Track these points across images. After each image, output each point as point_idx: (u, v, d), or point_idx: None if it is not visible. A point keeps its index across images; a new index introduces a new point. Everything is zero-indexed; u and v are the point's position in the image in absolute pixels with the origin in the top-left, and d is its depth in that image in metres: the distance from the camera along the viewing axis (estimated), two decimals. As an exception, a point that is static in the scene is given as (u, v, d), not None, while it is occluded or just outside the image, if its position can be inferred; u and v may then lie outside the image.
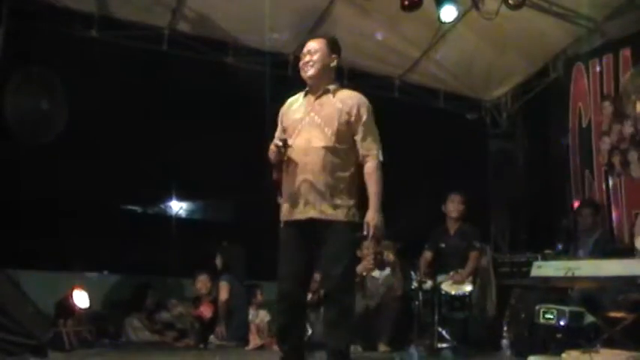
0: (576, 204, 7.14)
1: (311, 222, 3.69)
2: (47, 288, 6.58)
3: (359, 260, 6.78)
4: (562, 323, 5.13)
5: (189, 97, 7.54)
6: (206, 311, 6.89)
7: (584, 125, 7.43)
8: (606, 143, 7.14)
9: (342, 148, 3.75)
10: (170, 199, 8.57)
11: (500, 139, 8.95)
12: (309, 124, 3.81)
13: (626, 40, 7.01)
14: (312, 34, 7.53)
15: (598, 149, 7.24)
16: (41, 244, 6.83)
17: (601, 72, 7.23)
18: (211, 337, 6.73)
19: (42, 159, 6.88)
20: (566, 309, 5.03)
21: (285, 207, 3.86)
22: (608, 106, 7.16)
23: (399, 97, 8.65)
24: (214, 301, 6.96)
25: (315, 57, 3.81)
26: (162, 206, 8.61)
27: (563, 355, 4.12)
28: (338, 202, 3.68)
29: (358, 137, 3.80)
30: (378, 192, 3.69)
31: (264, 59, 7.69)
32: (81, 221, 7.19)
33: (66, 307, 6.35)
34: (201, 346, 6.69)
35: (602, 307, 5.04)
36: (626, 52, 6.98)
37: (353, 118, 3.80)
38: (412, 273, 6.76)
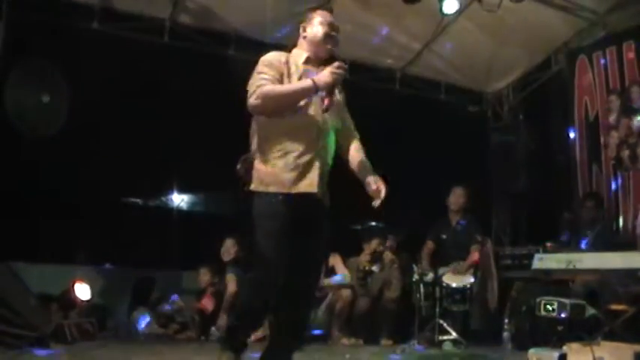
0: (583, 197, 7.14)
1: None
2: (49, 280, 6.60)
3: None
4: (563, 316, 5.13)
5: (190, 90, 7.52)
6: (208, 304, 6.90)
7: (590, 119, 7.40)
8: (614, 137, 7.12)
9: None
10: (172, 191, 8.57)
11: (501, 132, 8.93)
12: (319, 98, 3.36)
13: (629, 32, 6.98)
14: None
15: (606, 143, 7.21)
16: (43, 237, 6.83)
17: (605, 65, 7.20)
18: (213, 330, 6.74)
19: (43, 151, 6.87)
20: (568, 301, 5.03)
21: (289, 176, 3.29)
22: (615, 100, 7.13)
23: (401, 90, 8.63)
24: (216, 294, 6.96)
25: (337, 36, 3.63)
26: (163, 199, 8.61)
27: (564, 347, 4.12)
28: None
29: (347, 117, 3.67)
30: None
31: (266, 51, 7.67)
32: (82, 214, 7.19)
33: (68, 300, 6.37)
34: (203, 338, 6.70)
35: (604, 300, 5.05)
36: (629, 45, 6.95)
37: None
38: (414, 265, 6.78)
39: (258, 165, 3.40)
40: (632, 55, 6.92)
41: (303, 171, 3.28)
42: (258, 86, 3.29)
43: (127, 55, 7.05)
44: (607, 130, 7.20)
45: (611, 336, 4.44)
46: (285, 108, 3.30)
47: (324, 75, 3.28)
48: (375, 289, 6.89)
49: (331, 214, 3.50)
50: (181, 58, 7.52)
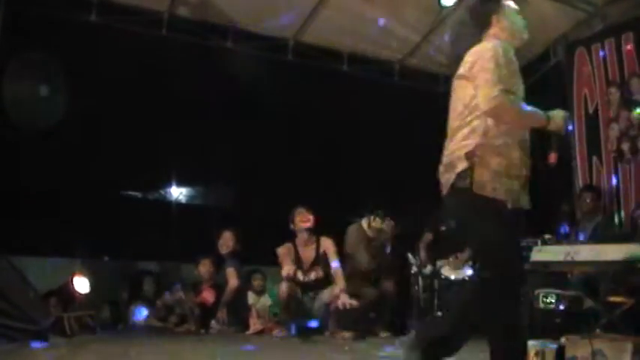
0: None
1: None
2: (48, 274, 6.61)
3: None
4: (561, 308, 5.15)
5: (189, 82, 7.50)
6: (209, 297, 6.91)
7: (590, 111, 7.39)
8: (615, 130, 7.10)
9: None
10: (170, 184, 8.56)
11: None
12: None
13: (628, 24, 6.97)
14: (312, 19, 7.60)
15: (606, 136, 7.20)
16: (42, 231, 6.82)
17: (604, 57, 7.19)
18: (212, 322, 6.75)
19: (42, 145, 6.86)
20: (566, 293, 5.05)
21: (513, 184, 3.09)
22: (614, 92, 7.11)
23: (399, 82, 8.63)
24: (216, 286, 6.97)
25: None
26: (162, 192, 8.59)
27: (562, 339, 4.12)
28: None
29: None
30: None
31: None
32: (81, 207, 7.18)
33: (67, 293, 6.38)
34: (202, 331, 6.70)
35: (602, 292, 5.05)
36: (628, 37, 6.94)
37: None
38: (411, 257, 6.79)
39: None
40: (630, 46, 6.90)
41: None
42: (495, 97, 3.01)
43: (125, 48, 7.03)
44: (607, 123, 7.19)
45: (610, 328, 4.44)
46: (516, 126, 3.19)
47: (560, 118, 3.22)
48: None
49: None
50: (179, 50, 7.50)
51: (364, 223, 6.89)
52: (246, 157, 8.06)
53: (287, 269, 6.34)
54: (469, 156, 3.03)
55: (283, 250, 6.55)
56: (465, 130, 3.10)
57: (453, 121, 3.23)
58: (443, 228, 7.22)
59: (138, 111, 7.42)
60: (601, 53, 7.21)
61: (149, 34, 7.28)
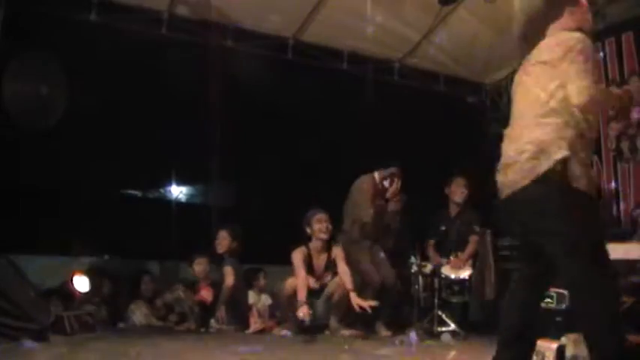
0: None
1: None
2: (48, 273, 6.61)
3: None
4: (562, 307, 5.15)
5: (188, 81, 7.51)
6: (207, 295, 6.91)
7: (589, 110, 7.37)
8: (614, 129, 7.11)
9: None
10: (170, 183, 8.56)
11: (500, 123, 8.92)
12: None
13: (628, 23, 6.96)
14: (312, 17, 7.61)
15: (606, 135, 7.20)
16: (42, 229, 6.83)
17: (605, 57, 7.19)
18: (212, 322, 6.75)
19: (42, 143, 6.86)
20: (566, 292, 5.04)
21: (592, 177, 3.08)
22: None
23: (399, 81, 8.63)
24: (213, 285, 6.97)
25: None
26: (162, 191, 8.60)
27: (563, 338, 4.13)
28: None
29: None
30: None
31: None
32: (81, 206, 7.19)
33: (67, 292, 6.38)
34: (202, 329, 6.71)
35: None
36: (628, 36, 6.94)
37: None
38: (412, 257, 6.79)
39: None
40: (631, 46, 6.91)
41: None
42: (588, 90, 3.01)
43: (125, 47, 7.03)
44: (606, 121, 7.19)
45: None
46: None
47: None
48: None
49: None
50: (179, 49, 7.50)
51: (377, 175, 6.87)
52: (246, 156, 8.06)
53: (301, 307, 6.07)
54: (569, 146, 2.97)
55: (299, 255, 6.49)
56: (557, 120, 3.03)
57: (528, 108, 3.17)
58: (442, 227, 7.24)
59: (137, 109, 7.43)
60: (601, 53, 7.21)
61: (149, 33, 7.28)
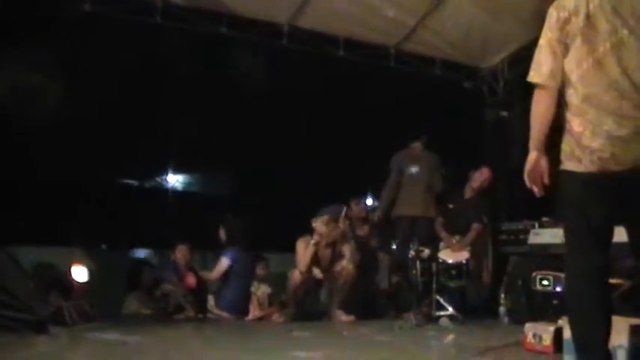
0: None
1: None
2: (46, 264, 6.61)
3: None
4: (558, 289, 5.17)
5: (184, 70, 7.49)
6: (191, 281, 6.98)
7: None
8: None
9: None
10: (167, 172, 8.56)
11: (497, 107, 8.91)
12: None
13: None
14: (307, 3, 7.57)
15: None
16: (39, 220, 6.83)
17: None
18: (210, 306, 6.82)
19: (39, 135, 6.85)
20: (563, 275, 5.05)
21: None
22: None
23: (395, 66, 8.59)
24: (193, 270, 7.04)
25: None
26: (158, 180, 8.60)
27: (560, 321, 4.14)
28: None
29: None
30: None
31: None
32: (79, 196, 7.19)
33: (65, 283, 6.38)
34: (200, 316, 6.74)
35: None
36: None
37: None
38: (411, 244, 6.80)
39: None
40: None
41: None
42: None
43: (120, 37, 7.01)
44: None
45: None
46: None
47: None
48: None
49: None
50: (174, 38, 7.47)
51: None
52: (243, 143, 8.06)
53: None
54: None
55: (303, 245, 6.54)
56: None
57: None
58: (451, 206, 7.26)
59: (133, 99, 7.41)
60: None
61: (143, 22, 7.24)
